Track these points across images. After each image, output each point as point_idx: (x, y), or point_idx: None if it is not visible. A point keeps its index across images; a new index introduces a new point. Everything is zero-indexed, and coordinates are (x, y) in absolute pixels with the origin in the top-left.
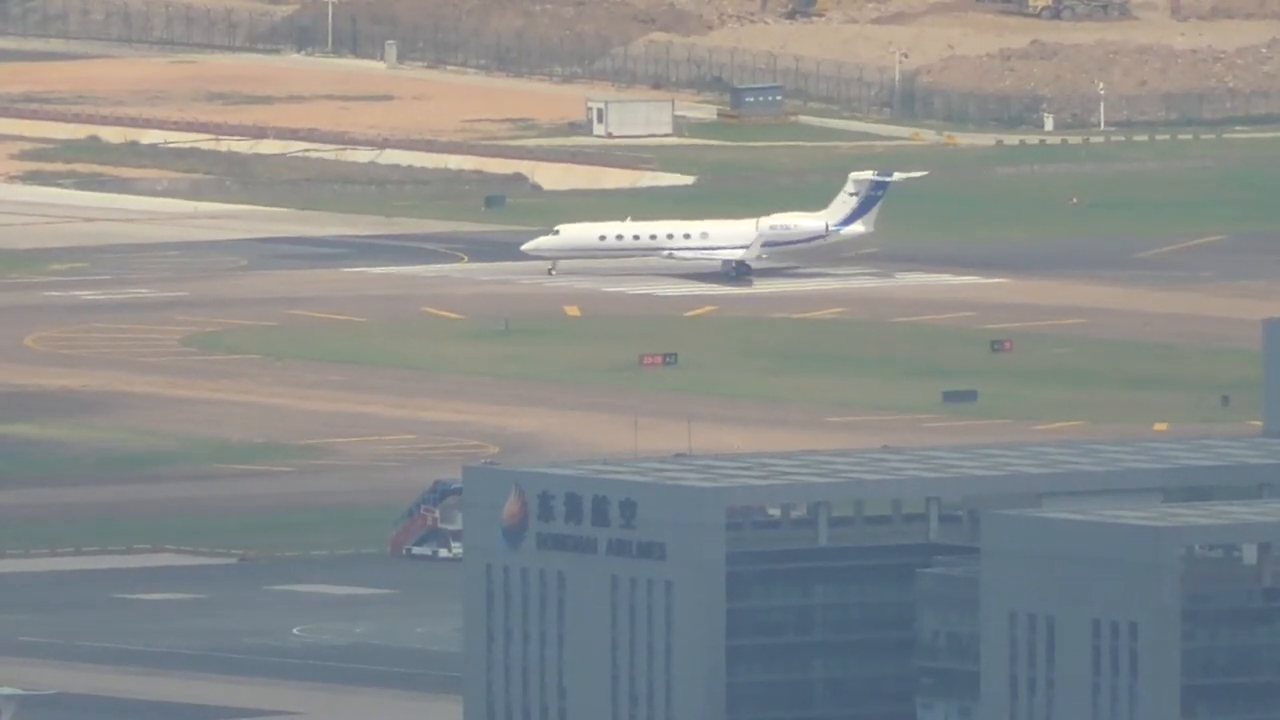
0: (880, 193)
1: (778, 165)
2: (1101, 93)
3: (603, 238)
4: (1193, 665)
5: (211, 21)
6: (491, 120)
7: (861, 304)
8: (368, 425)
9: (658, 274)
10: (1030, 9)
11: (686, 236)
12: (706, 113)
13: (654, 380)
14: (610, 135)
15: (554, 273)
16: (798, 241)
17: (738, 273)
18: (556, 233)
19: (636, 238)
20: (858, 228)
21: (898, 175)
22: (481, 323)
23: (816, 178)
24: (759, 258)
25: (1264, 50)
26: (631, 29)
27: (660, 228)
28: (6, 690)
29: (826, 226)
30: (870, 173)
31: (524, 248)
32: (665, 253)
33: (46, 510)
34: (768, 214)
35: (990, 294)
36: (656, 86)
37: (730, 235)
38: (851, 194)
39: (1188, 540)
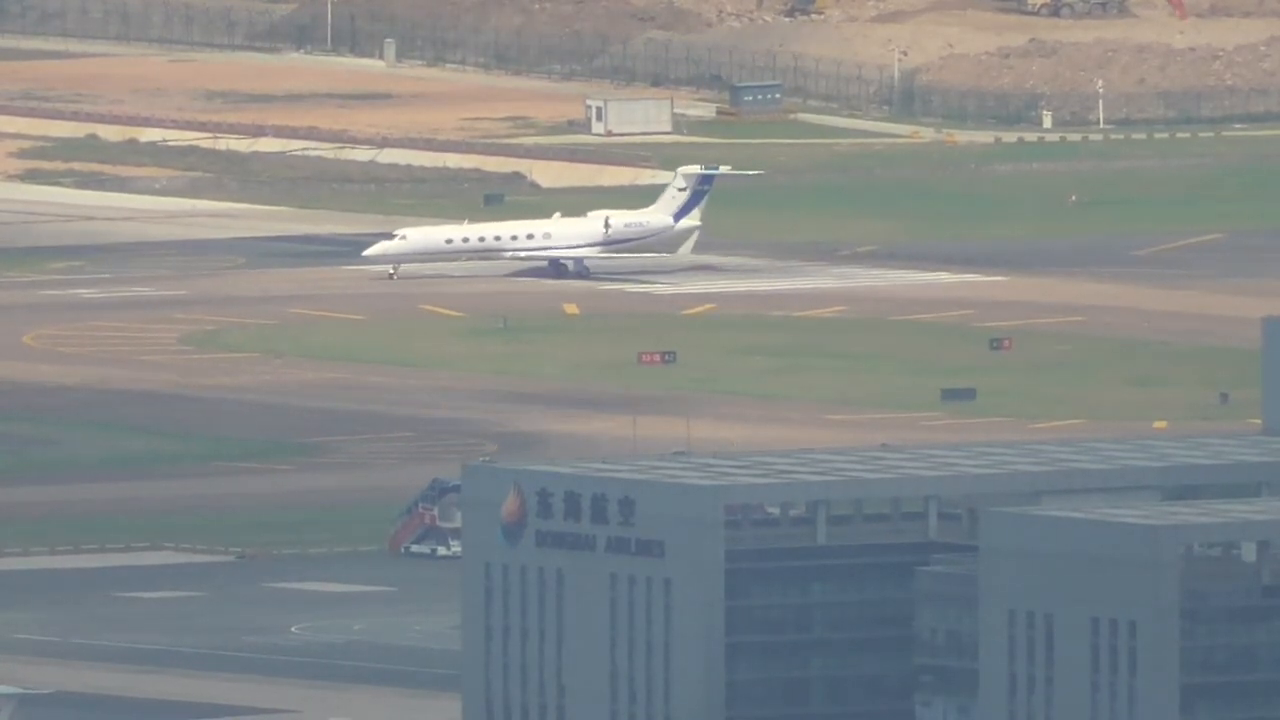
0: (707, 186)
1: (776, 163)
2: (1100, 90)
3: (449, 240)
4: (1192, 663)
5: (210, 20)
6: (490, 118)
7: (861, 302)
8: (366, 423)
9: (503, 275)
10: (1029, 7)
11: (530, 237)
12: (705, 110)
13: (653, 378)
14: (609, 133)
15: (394, 277)
16: (649, 236)
17: (587, 271)
18: (404, 237)
19: (482, 239)
20: (690, 221)
21: (724, 169)
22: (480, 321)
23: (815, 176)
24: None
25: (1263, 48)
26: (630, 27)
27: (505, 228)
28: (5, 689)
29: (671, 221)
30: (697, 167)
31: (365, 253)
32: (509, 253)
33: (45, 508)
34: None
35: (989, 292)
36: (655, 84)
37: (574, 234)
38: (681, 189)
39: (1187, 538)
